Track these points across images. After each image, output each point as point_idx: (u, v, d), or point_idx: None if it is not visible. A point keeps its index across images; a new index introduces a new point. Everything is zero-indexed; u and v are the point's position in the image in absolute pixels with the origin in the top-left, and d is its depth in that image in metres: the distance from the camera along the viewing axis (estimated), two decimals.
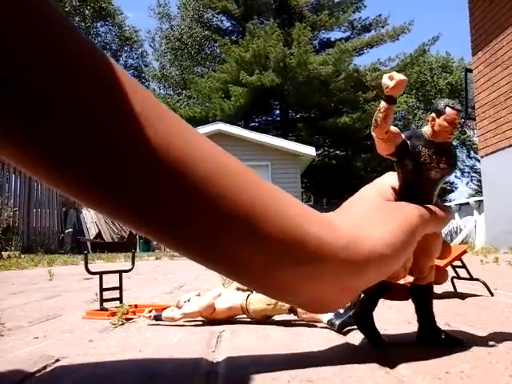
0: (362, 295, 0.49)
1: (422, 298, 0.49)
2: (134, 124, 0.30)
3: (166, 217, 0.33)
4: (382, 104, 0.43)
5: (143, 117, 0.30)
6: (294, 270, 0.38)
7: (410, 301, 0.49)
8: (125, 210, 0.32)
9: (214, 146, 0.36)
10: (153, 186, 0.31)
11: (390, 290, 0.49)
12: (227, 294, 0.70)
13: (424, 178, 0.46)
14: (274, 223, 0.36)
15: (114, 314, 0.76)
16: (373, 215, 0.44)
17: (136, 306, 0.86)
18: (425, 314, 0.49)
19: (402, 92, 0.43)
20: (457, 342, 0.48)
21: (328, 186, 15.62)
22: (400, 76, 0.42)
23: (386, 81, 0.42)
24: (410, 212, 0.44)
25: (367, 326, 0.50)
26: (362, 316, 0.49)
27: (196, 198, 0.32)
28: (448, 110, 0.44)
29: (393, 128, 0.44)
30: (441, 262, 0.88)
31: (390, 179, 0.48)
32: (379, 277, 0.44)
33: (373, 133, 0.44)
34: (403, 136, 0.45)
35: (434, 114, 0.45)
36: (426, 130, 0.46)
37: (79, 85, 0.28)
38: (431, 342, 0.48)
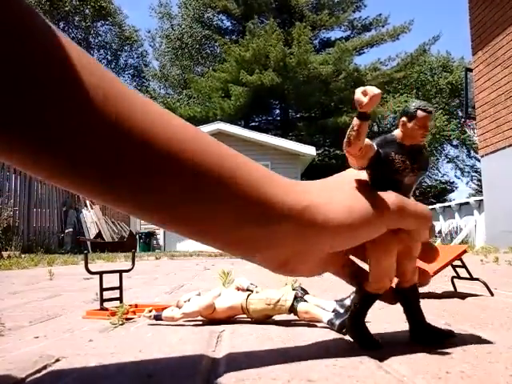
0: (354, 304, 0.49)
1: (408, 300, 0.49)
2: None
3: (134, 182, 0.34)
4: (355, 121, 0.41)
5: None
6: (255, 229, 0.40)
7: None
8: (91, 181, 0.34)
9: (185, 123, 0.38)
10: (120, 153, 0.33)
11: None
12: (227, 293, 0.70)
13: (398, 184, 0.44)
14: (238, 184, 0.38)
15: (114, 314, 0.75)
16: (341, 186, 0.45)
17: (136, 305, 0.86)
18: (413, 314, 0.49)
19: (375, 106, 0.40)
20: (447, 336, 0.48)
21: None
22: (374, 90, 0.39)
23: (359, 96, 0.39)
24: (383, 195, 0.43)
25: (358, 331, 0.49)
26: (353, 323, 0.49)
27: (162, 163, 0.34)
28: (419, 113, 0.42)
29: (365, 141, 0.42)
30: (437, 264, 0.87)
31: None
32: (341, 243, 0.44)
33: (345, 150, 0.43)
34: (375, 146, 0.44)
35: (404, 118, 0.43)
36: (397, 134, 0.44)
37: None
38: (424, 339, 0.48)
